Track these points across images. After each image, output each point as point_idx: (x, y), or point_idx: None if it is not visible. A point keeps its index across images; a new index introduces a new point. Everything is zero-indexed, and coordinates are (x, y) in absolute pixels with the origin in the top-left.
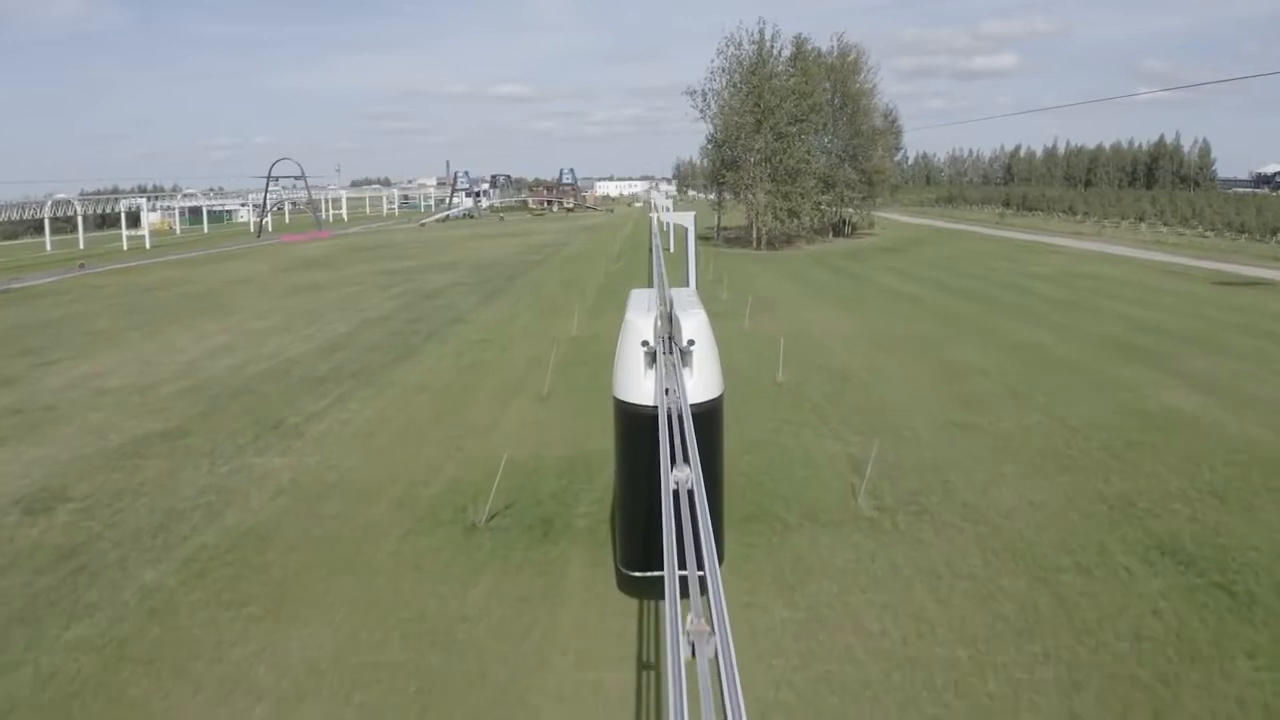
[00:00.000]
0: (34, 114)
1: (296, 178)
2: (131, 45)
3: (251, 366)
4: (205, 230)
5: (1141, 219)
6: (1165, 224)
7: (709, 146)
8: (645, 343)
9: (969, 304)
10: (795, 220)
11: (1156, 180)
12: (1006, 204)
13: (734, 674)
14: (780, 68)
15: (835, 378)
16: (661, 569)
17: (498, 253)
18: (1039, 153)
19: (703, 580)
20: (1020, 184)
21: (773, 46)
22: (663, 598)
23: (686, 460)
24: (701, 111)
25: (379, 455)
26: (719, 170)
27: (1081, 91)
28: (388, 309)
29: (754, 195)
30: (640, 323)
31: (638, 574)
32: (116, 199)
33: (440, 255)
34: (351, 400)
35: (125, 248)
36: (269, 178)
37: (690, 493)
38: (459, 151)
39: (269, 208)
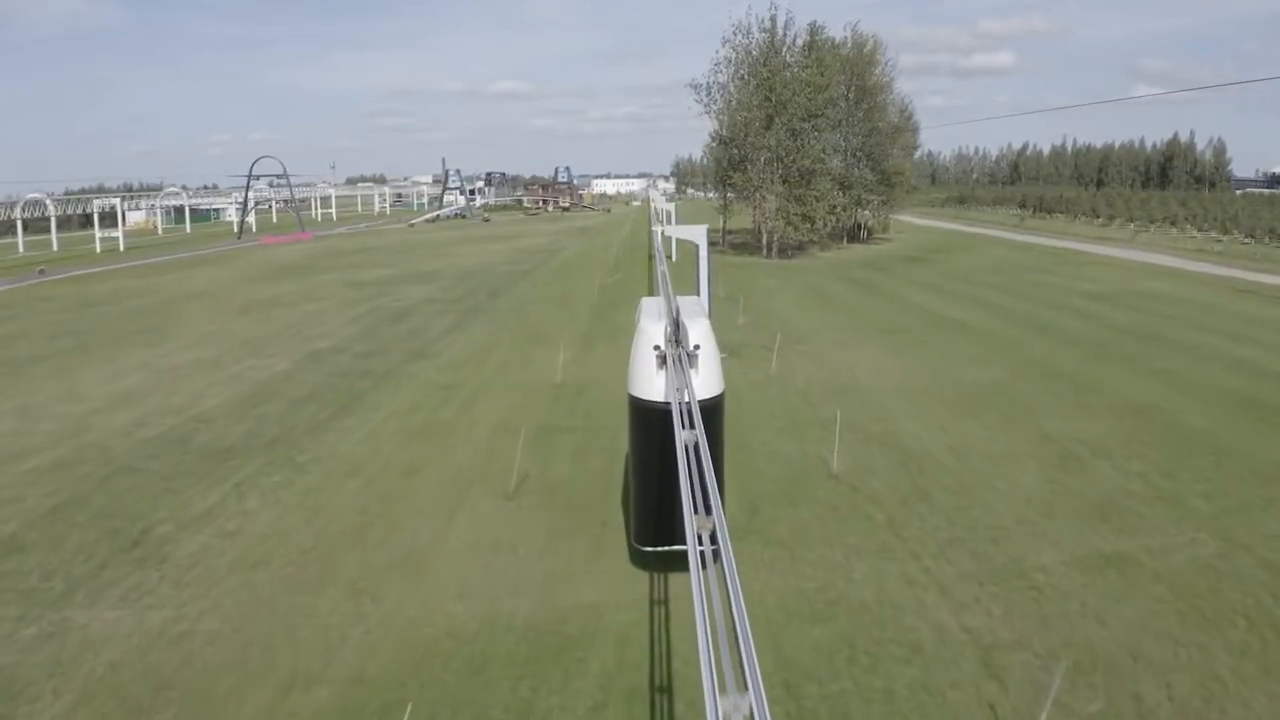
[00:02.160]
0: (33, 113)
1: (279, 176)
2: (130, 44)
3: (149, 426)
4: (188, 230)
5: (1172, 223)
6: (1198, 229)
7: (713, 144)
8: (657, 347)
9: (1032, 336)
10: (809, 226)
11: (1170, 180)
12: (1022, 205)
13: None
14: (793, 58)
15: (908, 464)
16: (671, 544)
17: (485, 259)
18: (1046, 152)
19: (716, 553)
20: (1028, 183)
21: (785, 35)
22: None
23: (709, 511)
24: (706, 106)
25: (255, 609)
26: (725, 171)
27: (1081, 90)
28: (343, 336)
29: (763, 198)
30: (652, 329)
31: (649, 549)
32: (91, 199)
33: (421, 262)
34: (252, 493)
35: (98, 250)
36: (249, 176)
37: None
38: (457, 149)
39: (250, 207)
